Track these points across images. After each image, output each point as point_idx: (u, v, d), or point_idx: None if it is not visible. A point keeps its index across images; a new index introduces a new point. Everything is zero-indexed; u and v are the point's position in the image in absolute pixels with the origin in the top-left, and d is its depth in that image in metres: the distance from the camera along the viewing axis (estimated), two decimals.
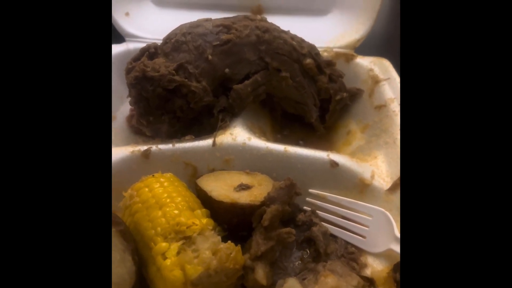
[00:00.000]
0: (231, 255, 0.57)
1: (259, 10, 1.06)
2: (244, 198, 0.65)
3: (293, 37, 0.86)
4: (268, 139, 0.80)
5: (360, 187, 0.74)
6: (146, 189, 0.65)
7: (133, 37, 1.02)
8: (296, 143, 0.90)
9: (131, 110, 0.91)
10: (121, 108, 0.95)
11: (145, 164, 0.74)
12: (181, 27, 0.84)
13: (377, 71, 0.93)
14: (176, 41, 0.79)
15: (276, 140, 0.80)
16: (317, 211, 0.73)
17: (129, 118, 0.91)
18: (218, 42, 0.80)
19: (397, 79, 0.88)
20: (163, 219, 0.60)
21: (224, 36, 0.80)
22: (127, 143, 0.82)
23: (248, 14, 0.90)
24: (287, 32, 0.87)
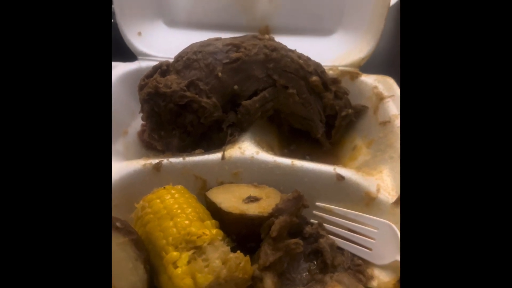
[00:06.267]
0: (240, 265, 0.58)
1: (267, 30, 1.10)
2: (252, 209, 0.67)
3: (300, 56, 0.89)
4: (275, 154, 0.82)
5: (366, 201, 0.75)
6: (158, 201, 0.66)
7: (145, 56, 1.05)
8: (302, 158, 0.91)
9: (142, 125, 0.94)
10: (133, 124, 0.97)
11: (156, 177, 0.76)
12: (192, 45, 0.87)
13: (381, 88, 0.95)
14: (188, 59, 0.83)
15: (283, 155, 0.82)
16: (324, 224, 0.74)
17: (141, 133, 0.94)
18: (227, 60, 0.83)
19: None
20: (174, 229, 0.62)
21: (234, 55, 0.83)
22: (138, 157, 0.84)
23: (256, 34, 0.93)
24: (294, 51, 0.90)
